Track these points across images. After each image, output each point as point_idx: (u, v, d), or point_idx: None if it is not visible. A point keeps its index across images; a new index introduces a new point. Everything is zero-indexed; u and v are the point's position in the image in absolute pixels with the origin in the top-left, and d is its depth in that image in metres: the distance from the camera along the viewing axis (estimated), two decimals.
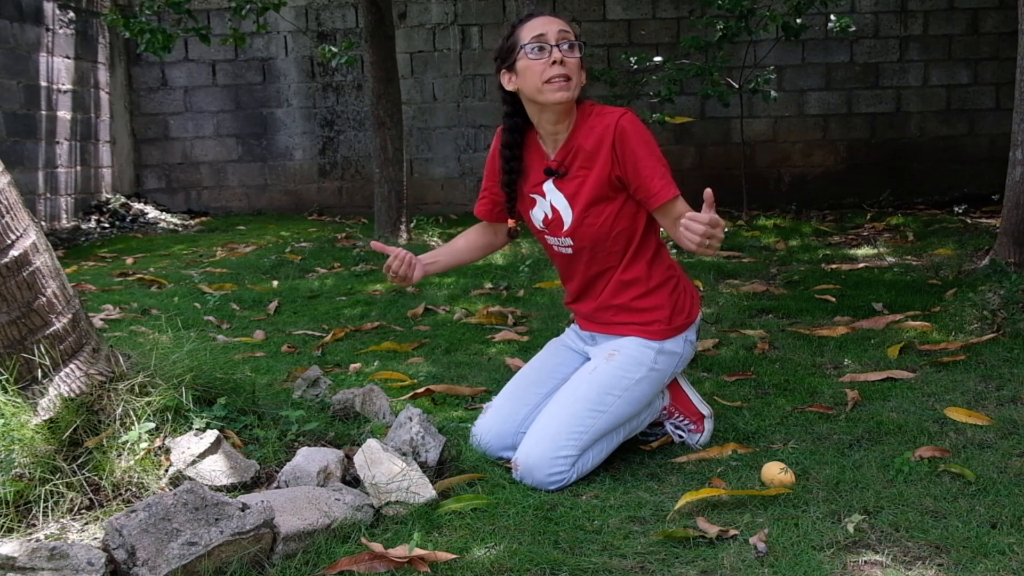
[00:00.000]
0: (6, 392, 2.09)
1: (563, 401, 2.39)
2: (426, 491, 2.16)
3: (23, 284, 2.12)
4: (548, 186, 2.48)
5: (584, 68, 2.46)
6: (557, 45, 2.37)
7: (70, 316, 2.23)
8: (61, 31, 7.51)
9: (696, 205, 2.25)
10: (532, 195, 2.53)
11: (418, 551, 1.89)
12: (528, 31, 2.39)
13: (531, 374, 2.60)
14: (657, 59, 7.31)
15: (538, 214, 2.54)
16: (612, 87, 7.64)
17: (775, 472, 2.25)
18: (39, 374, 2.15)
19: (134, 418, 2.21)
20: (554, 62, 2.35)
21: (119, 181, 8.38)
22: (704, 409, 2.62)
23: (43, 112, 7.28)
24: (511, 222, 2.62)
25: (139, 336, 3.45)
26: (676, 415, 2.62)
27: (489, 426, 2.49)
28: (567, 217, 2.47)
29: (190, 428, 2.27)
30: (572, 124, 2.44)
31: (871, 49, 8.21)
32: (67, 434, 2.12)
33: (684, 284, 2.54)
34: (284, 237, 6.95)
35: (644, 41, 8.20)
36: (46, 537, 1.96)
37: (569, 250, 2.51)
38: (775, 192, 8.33)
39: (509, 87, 2.46)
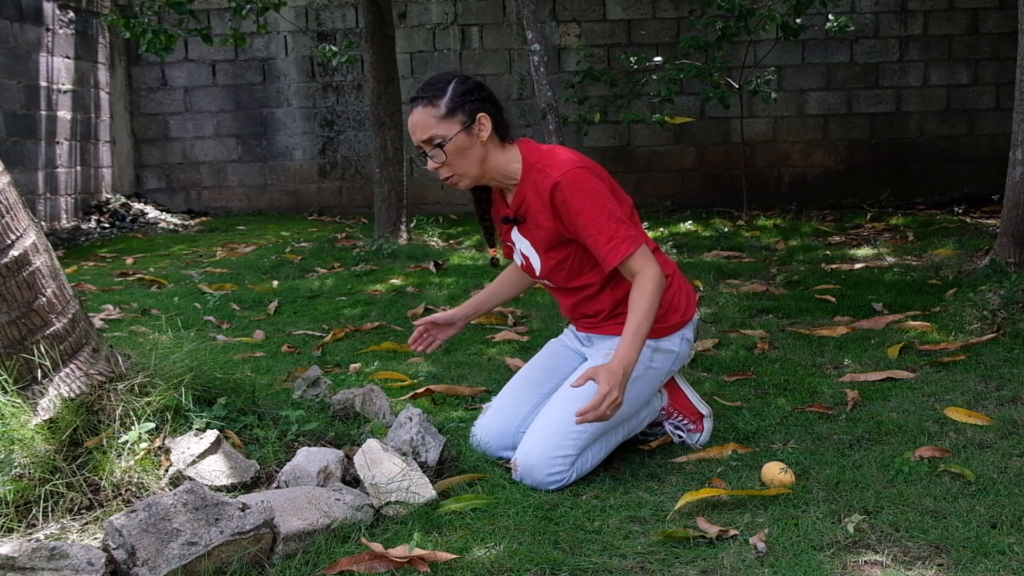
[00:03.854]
0: (6, 392, 2.09)
1: (561, 401, 2.39)
2: (426, 491, 2.16)
3: (23, 284, 2.12)
4: (515, 234, 2.50)
5: (475, 134, 2.34)
6: (426, 154, 2.36)
7: (70, 316, 2.23)
8: (61, 31, 7.51)
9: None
10: (507, 243, 2.56)
11: (418, 551, 1.89)
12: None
13: (531, 374, 2.60)
14: (657, 59, 7.32)
15: (517, 258, 2.57)
16: (612, 87, 7.65)
17: (775, 472, 2.25)
18: (39, 374, 2.15)
19: (134, 418, 2.21)
20: (435, 167, 2.38)
21: (119, 181, 8.38)
22: (703, 409, 2.62)
23: (43, 112, 7.28)
24: (492, 251, 2.62)
25: (139, 336, 3.45)
26: (675, 415, 2.62)
27: (489, 426, 2.49)
28: (536, 264, 2.49)
29: (190, 428, 2.27)
30: (519, 170, 2.41)
31: (871, 49, 8.21)
32: (67, 434, 2.12)
33: (680, 283, 2.54)
34: (284, 237, 6.95)
35: (644, 41, 8.20)
36: (46, 537, 1.96)
37: (551, 284, 2.56)
38: (775, 192, 8.33)
39: None
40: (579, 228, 2.32)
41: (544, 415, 2.40)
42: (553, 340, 2.71)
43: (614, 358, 2.24)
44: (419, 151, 2.39)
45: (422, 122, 2.33)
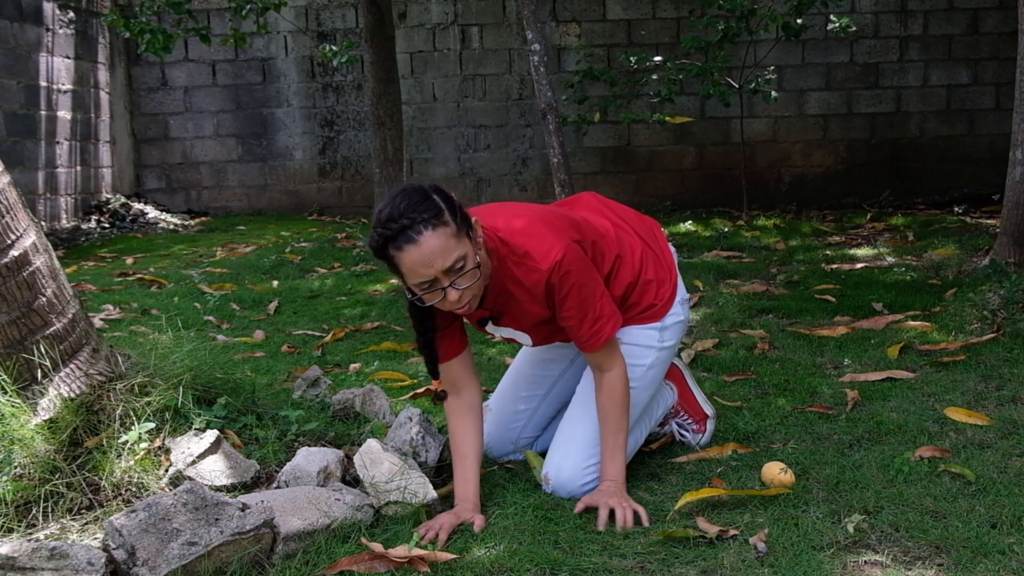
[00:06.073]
0: (6, 392, 2.09)
1: (584, 404, 2.32)
2: (426, 491, 2.16)
3: (23, 284, 2.12)
4: (491, 327, 2.36)
5: (478, 243, 2.05)
6: (447, 286, 1.99)
7: (70, 316, 2.23)
8: (61, 31, 7.51)
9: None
10: (481, 332, 2.40)
11: (418, 551, 1.89)
12: (407, 269, 2.00)
13: (525, 371, 2.55)
14: (657, 59, 7.31)
15: (497, 338, 2.46)
16: (612, 87, 7.64)
17: (775, 472, 2.25)
18: (39, 374, 2.15)
19: (134, 418, 2.21)
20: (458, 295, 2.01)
21: (119, 181, 8.38)
22: (708, 409, 2.62)
23: (43, 112, 7.27)
24: (436, 384, 2.31)
25: (139, 336, 3.45)
26: (681, 413, 2.62)
27: (490, 430, 2.46)
28: (526, 341, 2.38)
29: (190, 428, 2.27)
30: (491, 270, 2.14)
31: (871, 49, 8.21)
32: (67, 434, 2.12)
33: (652, 254, 2.40)
34: (284, 237, 6.95)
35: (644, 41, 8.20)
36: (46, 537, 1.96)
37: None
38: (775, 192, 8.32)
39: None
40: (562, 309, 2.17)
41: (568, 423, 2.35)
42: None
43: (603, 482, 2.18)
44: (425, 287, 2.00)
45: (442, 246, 1.94)
